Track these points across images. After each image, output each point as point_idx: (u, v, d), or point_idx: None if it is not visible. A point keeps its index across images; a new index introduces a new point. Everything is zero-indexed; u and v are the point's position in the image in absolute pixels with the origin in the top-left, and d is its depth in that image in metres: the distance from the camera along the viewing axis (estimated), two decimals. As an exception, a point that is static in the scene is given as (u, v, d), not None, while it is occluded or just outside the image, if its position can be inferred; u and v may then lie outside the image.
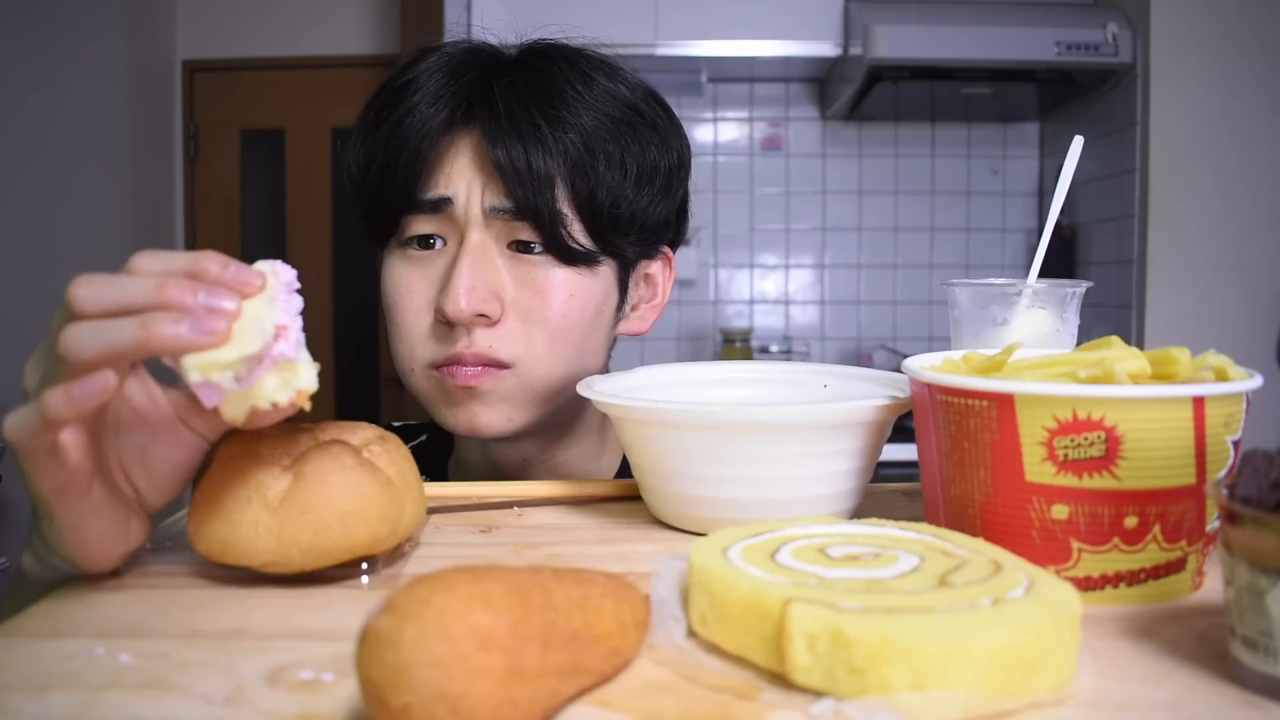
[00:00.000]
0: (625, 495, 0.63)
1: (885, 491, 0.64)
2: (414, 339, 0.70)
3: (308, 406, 0.43)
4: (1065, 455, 0.41)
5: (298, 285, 0.45)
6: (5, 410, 0.39)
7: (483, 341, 0.68)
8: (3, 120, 2.08)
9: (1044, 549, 0.43)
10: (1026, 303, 0.64)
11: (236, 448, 0.47)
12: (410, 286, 0.70)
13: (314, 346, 0.44)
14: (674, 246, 0.81)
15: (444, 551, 0.52)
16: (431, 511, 0.60)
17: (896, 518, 0.45)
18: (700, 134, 2.65)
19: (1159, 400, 0.41)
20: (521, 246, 0.69)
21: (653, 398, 0.57)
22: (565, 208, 0.69)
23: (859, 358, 2.63)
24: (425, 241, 0.70)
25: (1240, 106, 2.06)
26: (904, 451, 1.35)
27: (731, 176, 2.68)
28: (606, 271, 0.73)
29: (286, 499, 0.45)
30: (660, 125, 0.74)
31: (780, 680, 0.34)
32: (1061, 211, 0.69)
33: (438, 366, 0.69)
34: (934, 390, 0.46)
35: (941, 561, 0.38)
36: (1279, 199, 2.07)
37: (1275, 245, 2.08)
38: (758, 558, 0.39)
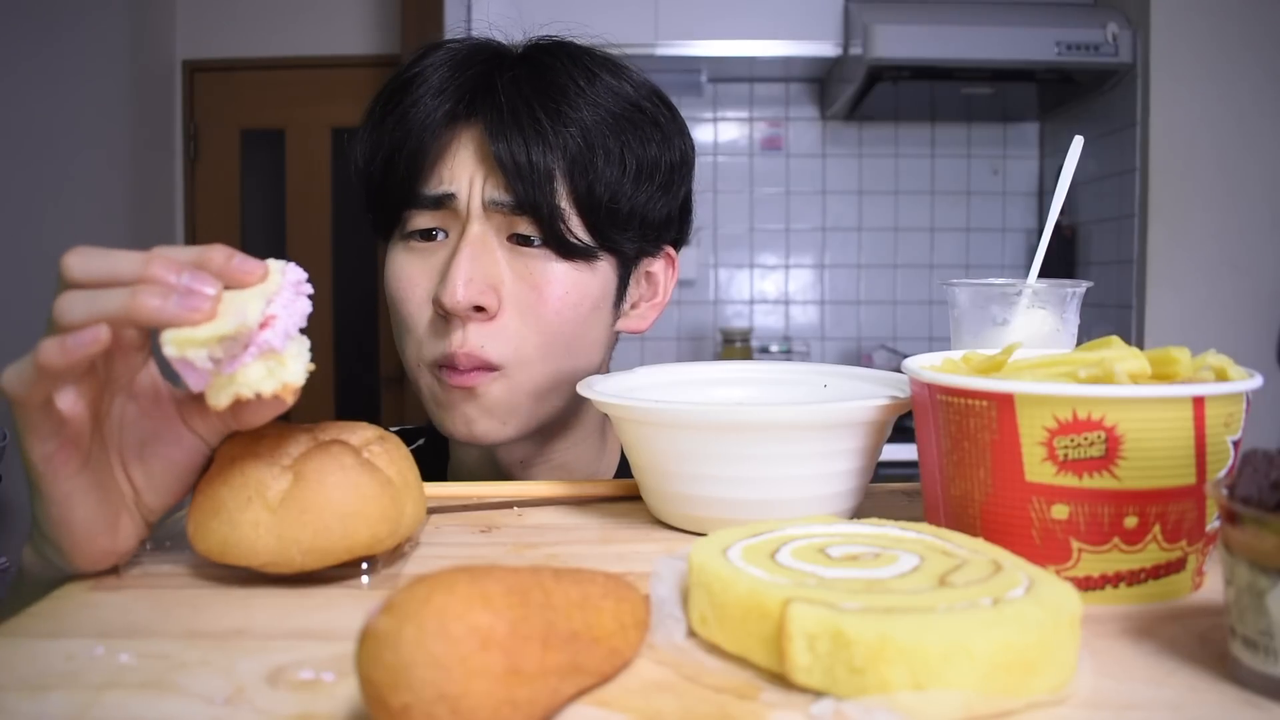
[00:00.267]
0: (625, 495, 0.63)
1: (885, 491, 0.64)
2: (418, 334, 0.71)
3: (291, 401, 0.44)
4: (1065, 455, 0.41)
5: (310, 290, 0.45)
6: (6, 410, 0.40)
7: (475, 340, 0.68)
8: (3, 120, 2.08)
9: (1044, 549, 0.43)
10: (1026, 303, 0.64)
11: (237, 448, 0.47)
12: (412, 279, 0.71)
13: (313, 346, 0.44)
14: (677, 246, 0.81)
15: (444, 551, 0.52)
16: (431, 511, 0.60)
17: (896, 518, 0.45)
18: (700, 134, 2.65)
19: (1159, 400, 0.41)
20: (521, 240, 0.69)
21: (652, 398, 0.57)
22: (564, 202, 0.69)
23: (859, 358, 2.63)
24: (427, 234, 0.71)
25: (1240, 106, 2.06)
26: (904, 451, 1.35)
27: (731, 176, 2.68)
28: (605, 267, 0.73)
29: (287, 499, 0.45)
30: (663, 122, 0.74)
31: (780, 680, 0.34)
32: (1061, 211, 0.69)
33: (438, 367, 0.70)
34: (934, 390, 0.46)
35: (941, 561, 0.38)
36: (1279, 199, 2.07)
37: (1275, 245, 2.08)
38: (758, 558, 0.39)
